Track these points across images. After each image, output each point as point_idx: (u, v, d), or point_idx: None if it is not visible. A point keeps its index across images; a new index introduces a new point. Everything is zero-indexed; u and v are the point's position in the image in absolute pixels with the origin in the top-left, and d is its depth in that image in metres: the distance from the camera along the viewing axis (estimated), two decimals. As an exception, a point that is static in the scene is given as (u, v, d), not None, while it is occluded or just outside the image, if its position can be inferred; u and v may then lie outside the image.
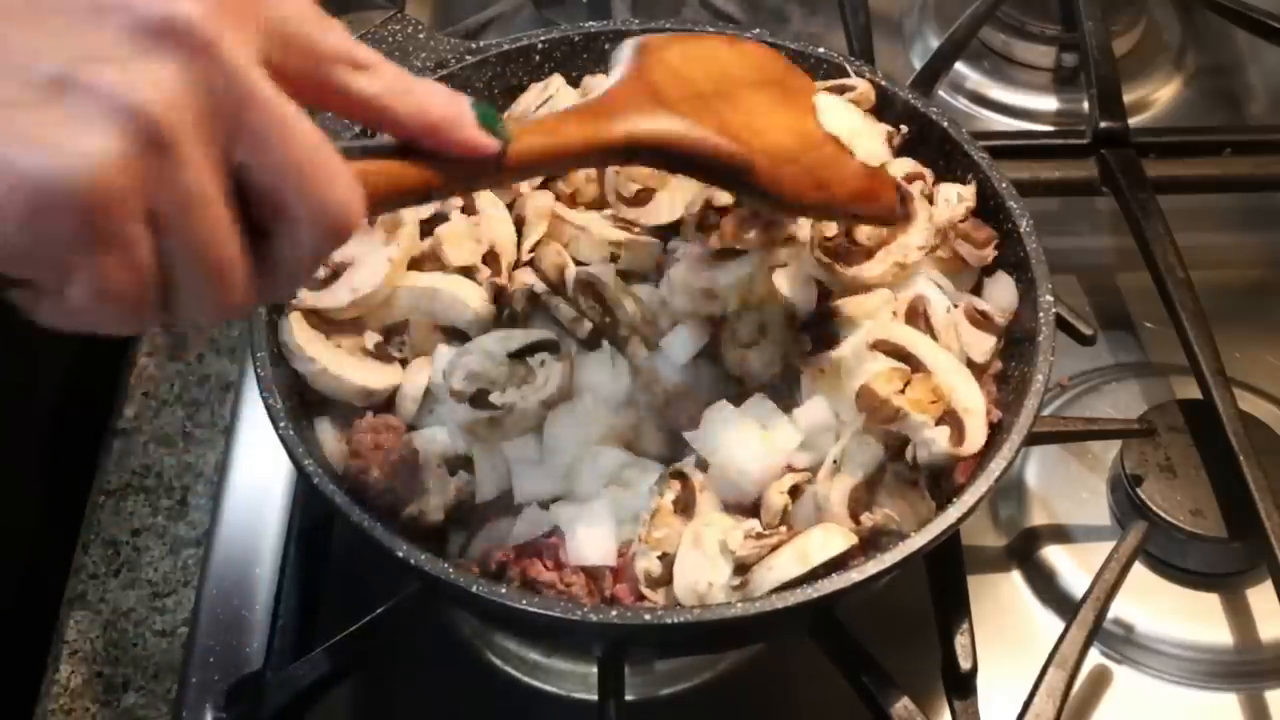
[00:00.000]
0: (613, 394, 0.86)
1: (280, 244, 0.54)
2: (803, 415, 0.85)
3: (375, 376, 0.87)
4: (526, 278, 0.91)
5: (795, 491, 0.82)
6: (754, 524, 0.80)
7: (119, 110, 0.47)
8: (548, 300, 0.89)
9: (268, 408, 0.82)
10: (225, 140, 0.50)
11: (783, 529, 0.79)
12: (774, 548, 0.78)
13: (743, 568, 0.78)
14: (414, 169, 0.61)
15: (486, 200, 0.93)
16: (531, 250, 0.92)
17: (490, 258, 0.91)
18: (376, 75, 0.58)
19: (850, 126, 0.85)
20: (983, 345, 0.89)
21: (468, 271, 0.90)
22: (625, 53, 0.78)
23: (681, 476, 0.82)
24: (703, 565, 0.78)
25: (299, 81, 0.55)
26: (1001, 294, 0.92)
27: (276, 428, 0.81)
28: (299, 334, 0.85)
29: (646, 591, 0.79)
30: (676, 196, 0.92)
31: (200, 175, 0.50)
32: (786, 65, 0.87)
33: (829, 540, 0.78)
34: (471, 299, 0.89)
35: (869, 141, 0.86)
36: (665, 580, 0.80)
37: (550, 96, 0.98)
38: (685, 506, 0.81)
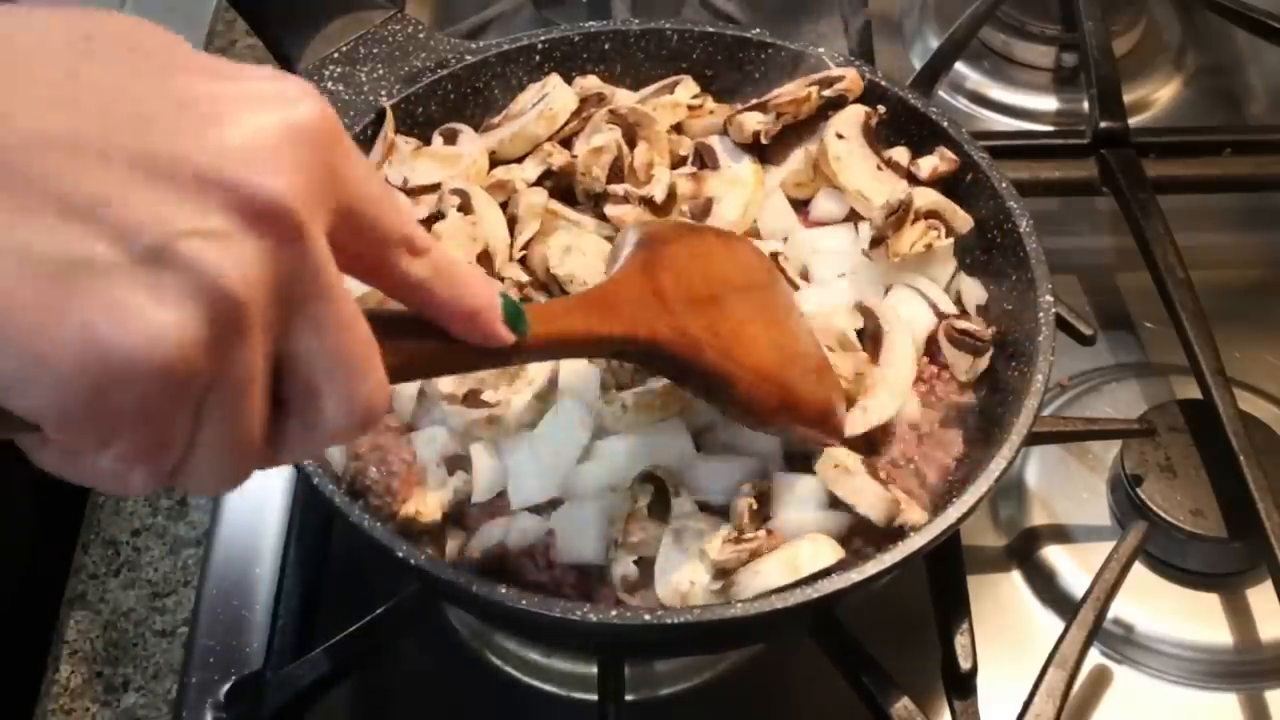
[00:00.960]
0: (588, 385, 0.85)
1: (298, 422, 0.52)
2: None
3: (371, 377, 0.86)
4: (512, 272, 0.91)
5: (761, 497, 0.81)
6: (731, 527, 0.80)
7: (208, 291, 0.45)
8: (531, 295, 0.89)
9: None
10: (286, 326, 0.49)
11: (761, 533, 0.79)
12: (754, 552, 0.77)
13: (723, 572, 0.77)
14: (430, 348, 0.60)
15: (481, 200, 0.93)
16: (524, 248, 0.92)
17: (483, 257, 0.91)
18: (428, 260, 0.56)
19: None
20: (963, 364, 0.89)
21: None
22: (630, 240, 0.78)
23: (654, 479, 0.81)
24: (684, 564, 0.78)
25: (356, 259, 0.54)
26: (971, 290, 0.94)
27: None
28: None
29: (624, 596, 0.79)
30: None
31: (255, 360, 0.48)
32: (770, 268, 0.87)
33: (818, 552, 0.78)
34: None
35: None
36: (643, 585, 0.79)
37: (545, 94, 0.98)
38: (660, 510, 0.80)
